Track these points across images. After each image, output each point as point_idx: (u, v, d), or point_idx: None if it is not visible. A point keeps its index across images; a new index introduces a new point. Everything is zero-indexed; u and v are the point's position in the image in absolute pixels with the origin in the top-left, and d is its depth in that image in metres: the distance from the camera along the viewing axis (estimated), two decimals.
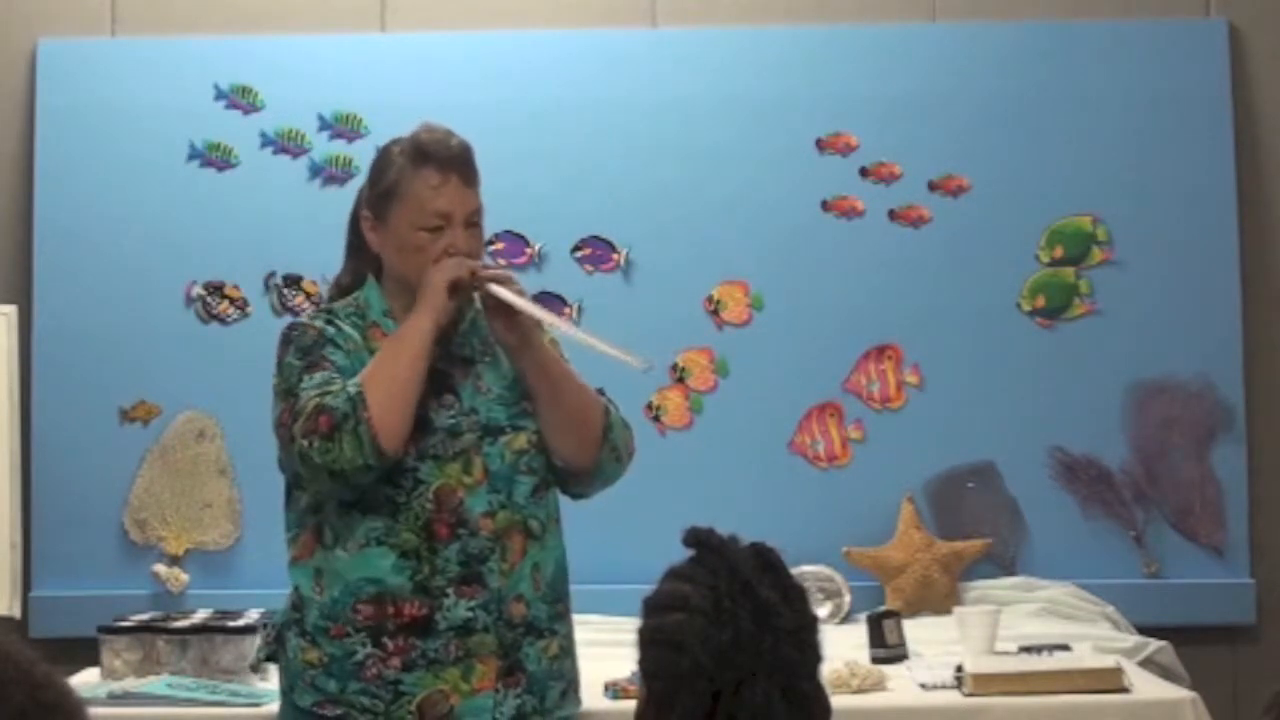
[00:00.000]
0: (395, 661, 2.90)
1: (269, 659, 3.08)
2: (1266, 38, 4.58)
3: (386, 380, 2.85)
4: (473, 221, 2.99)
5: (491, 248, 4.45)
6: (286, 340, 2.98)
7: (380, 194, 3.00)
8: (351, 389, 2.84)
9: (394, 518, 2.91)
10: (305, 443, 2.82)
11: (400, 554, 2.91)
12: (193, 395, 4.47)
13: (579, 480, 3.07)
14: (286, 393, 2.92)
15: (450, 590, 2.91)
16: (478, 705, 2.92)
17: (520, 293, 2.97)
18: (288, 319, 4.43)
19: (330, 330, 2.97)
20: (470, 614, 2.91)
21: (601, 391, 3.08)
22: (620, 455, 3.07)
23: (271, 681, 3.66)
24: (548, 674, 2.98)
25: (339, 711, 2.92)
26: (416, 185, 2.95)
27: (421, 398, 2.91)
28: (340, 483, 2.86)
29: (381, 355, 2.90)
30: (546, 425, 3.00)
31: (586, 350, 3.00)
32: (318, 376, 2.90)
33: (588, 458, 3.02)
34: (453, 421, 2.95)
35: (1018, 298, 4.52)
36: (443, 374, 2.97)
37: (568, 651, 3.05)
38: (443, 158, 2.96)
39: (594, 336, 3.00)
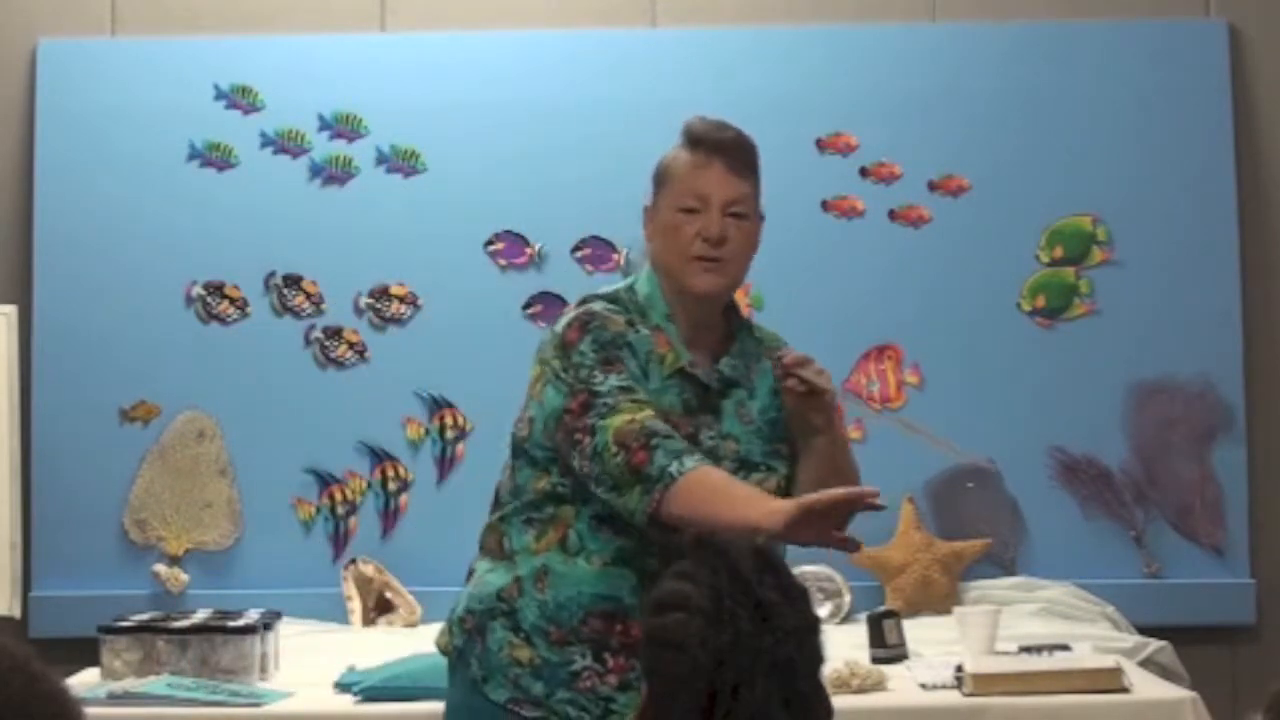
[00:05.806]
0: (612, 679, 2.80)
1: (460, 650, 2.87)
2: (1266, 38, 4.58)
3: (704, 508, 2.66)
4: (737, 212, 2.89)
5: (490, 247, 4.45)
6: (583, 326, 2.84)
7: (654, 181, 2.96)
8: (688, 465, 2.69)
9: (642, 539, 2.78)
10: (593, 466, 2.73)
11: (640, 577, 2.78)
12: (193, 395, 4.47)
13: None
14: (578, 384, 2.78)
15: None
16: None
17: (819, 373, 2.86)
18: (288, 319, 4.46)
19: (631, 335, 2.86)
20: None
21: None
22: None
23: (273, 680, 3.66)
24: None
25: (538, 714, 2.81)
26: (679, 166, 2.92)
27: (688, 410, 2.84)
28: (595, 500, 2.78)
29: (722, 497, 2.69)
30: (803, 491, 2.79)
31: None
32: (611, 378, 2.78)
33: None
34: (713, 443, 2.86)
35: (1018, 298, 4.52)
36: (705, 391, 2.88)
37: None
38: (710, 142, 2.91)
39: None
